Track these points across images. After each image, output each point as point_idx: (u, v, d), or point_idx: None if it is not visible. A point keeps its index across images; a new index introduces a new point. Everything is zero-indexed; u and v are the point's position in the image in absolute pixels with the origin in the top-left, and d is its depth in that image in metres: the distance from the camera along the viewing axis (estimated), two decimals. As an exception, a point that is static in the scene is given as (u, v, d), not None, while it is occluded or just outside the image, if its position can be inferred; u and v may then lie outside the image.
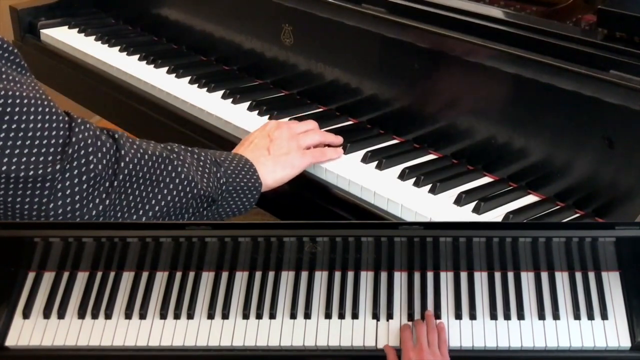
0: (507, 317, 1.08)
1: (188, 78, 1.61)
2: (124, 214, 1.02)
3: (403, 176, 1.23)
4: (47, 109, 0.93)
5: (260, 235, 1.09)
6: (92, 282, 1.15)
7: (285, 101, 1.53)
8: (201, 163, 1.12)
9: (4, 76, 0.90)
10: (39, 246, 1.12)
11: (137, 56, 1.73)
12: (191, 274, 1.15)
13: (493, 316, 1.08)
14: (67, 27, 1.93)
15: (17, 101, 0.89)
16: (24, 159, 0.90)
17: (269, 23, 1.52)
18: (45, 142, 0.92)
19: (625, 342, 1.04)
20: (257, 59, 1.60)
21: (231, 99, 1.51)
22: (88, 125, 0.98)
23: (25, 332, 1.10)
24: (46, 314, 1.12)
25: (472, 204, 1.16)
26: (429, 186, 1.20)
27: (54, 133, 0.93)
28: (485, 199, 1.16)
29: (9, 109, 0.88)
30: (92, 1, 2.04)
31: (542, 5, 1.41)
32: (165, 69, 1.66)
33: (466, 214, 1.15)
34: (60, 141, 0.93)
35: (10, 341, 1.10)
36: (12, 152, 0.89)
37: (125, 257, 1.15)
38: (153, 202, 1.05)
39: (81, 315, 1.12)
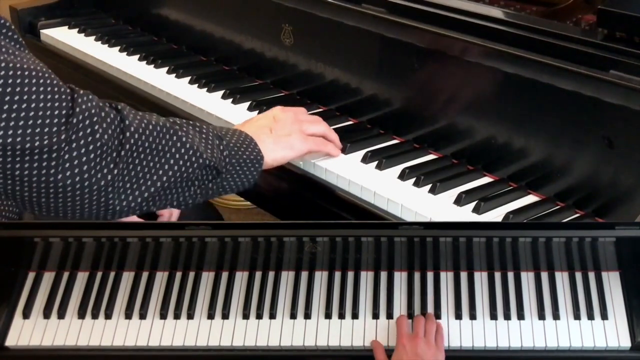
0: (507, 317, 1.08)
1: (188, 78, 1.61)
2: (133, 184, 1.01)
3: (403, 176, 1.23)
4: (48, 81, 0.93)
5: (260, 235, 1.09)
6: (92, 282, 1.15)
7: (285, 101, 1.52)
8: (204, 135, 1.11)
9: (3, 50, 0.90)
10: (39, 246, 1.12)
11: (137, 56, 1.73)
12: (191, 274, 1.15)
13: (493, 316, 1.08)
14: (67, 27, 1.93)
15: (19, 73, 0.89)
16: (29, 130, 0.90)
17: (269, 23, 1.52)
18: (49, 112, 0.92)
19: (625, 342, 1.05)
20: (257, 59, 1.60)
21: (231, 99, 1.51)
22: (91, 97, 0.98)
23: (25, 332, 1.10)
24: (46, 314, 1.12)
25: (472, 204, 1.16)
26: (429, 186, 1.20)
27: (56, 104, 0.93)
28: (485, 199, 1.16)
29: (10, 81, 0.89)
30: (92, 1, 2.04)
31: (542, 5, 1.41)
32: (165, 69, 1.66)
33: (466, 214, 1.15)
34: (64, 112, 0.94)
35: (10, 341, 1.10)
36: (17, 124, 0.89)
37: (125, 257, 1.15)
38: (160, 172, 1.04)
39: (81, 315, 1.12)
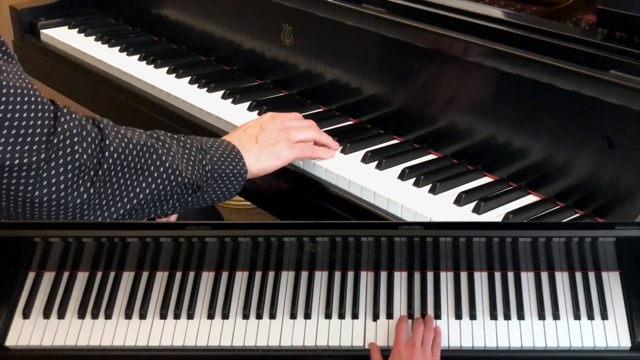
0: (507, 317, 1.08)
1: (188, 78, 1.61)
2: (109, 201, 1.02)
3: (403, 176, 1.23)
4: (32, 99, 0.93)
5: (260, 235, 1.09)
6: (92, 282, 1.15)
7: (285, 101, 1.53)
8: (187, 151, 1.12)
9: None
10: (39, 246, 1.12)
11: (137, 56, 1.73)
12: (191, 274, 1.15)
13: (493, 316, 1.08)
14: (67, 27, 1.93)
15: (4, 91, 0.90)
16: (9, 148, 0.91)
17: (269, 23, 1.52)
18: (30, 131, 0.92)
19: (625, 342, 1.04)
20: (257, 59, 1.60)
21: (231, 99, 1.51)
22: (73, 115, 0.98)
23: (25, 332, 1.10)
24: (46, 314, 1.12)
25: (472, 204, 1.16)
26: (429, 186, 1.20)
27: (39, 122, 0.93)
28: (485, 199, 1.16)
29: None
30: (92, 1, 2.04)
31: (542, 5, 1.41)
32: (165, 69, 1.66)
33: (466, 214, 1.15)
34: (45, 130, 0.94)
35: (10, 341, 1.10)
36: None
37: (125, 257, 1.15)
38: (137, 190, 1.05)
39: (81, 315, 1.12)
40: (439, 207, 1.16)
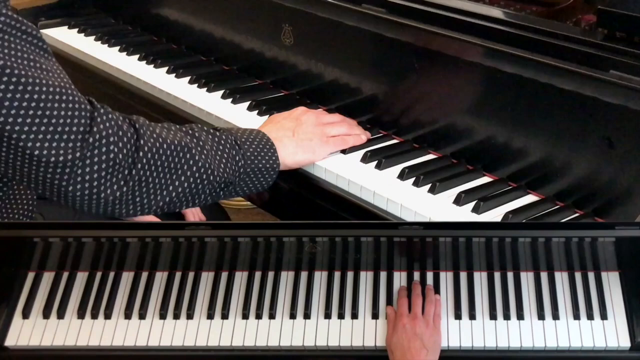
0: (506, 317, 1.08)
1: (188, 78, 1.61)
2: (143, 199, 1.06)
3: (402, 176, 1.23)
4: (70, 97, 0.97)
5: (260, 235, 1.09)
6: (91, 282, 1.15)
7: (285, 101, 1.53)
8: (220, 147, 1.14)
9: (32, 64, 0.95)
10: (38, 246, 1.12)
11: (137, 56, 1.73)
12: (191, 274, 1.16)
13: (492, 316, 1.08)
14: (67, 27, 1.93)
15: (44, 89, 0.94)
16: (47, 144, 0.95)
17: (269, 23, 1.52)
18: (67, 129, 0.97)
19: (625, 342, 1.05)
20: (257, 59, 1.60)
21: (231, 99, 1.51)
22: (110, 115, 1.02)
23: (25, 332, 1.11)
24: (46, 314, 1.12)
25: (472, 204, 1.16)
26: (428, 186, 1.20)
27: (75, 121, 0.97)
28: (484, 199, 1.16)
29: (35, 96, 0.94)
30: (92, 1, 2.04)
31: (542, 5, 1.41)
32: (165, 68, 1.66)
33: (465, 213, 1.14)
34: (82, 129, 0.98)
35: (10, 341, 1.10)
36: (36, 137, 0.94)
37: (125, 257, 1.15)
38: (170, 188, 1.08)
39: (81, 315, 1.12)
40: (438, 206, 1.16)
